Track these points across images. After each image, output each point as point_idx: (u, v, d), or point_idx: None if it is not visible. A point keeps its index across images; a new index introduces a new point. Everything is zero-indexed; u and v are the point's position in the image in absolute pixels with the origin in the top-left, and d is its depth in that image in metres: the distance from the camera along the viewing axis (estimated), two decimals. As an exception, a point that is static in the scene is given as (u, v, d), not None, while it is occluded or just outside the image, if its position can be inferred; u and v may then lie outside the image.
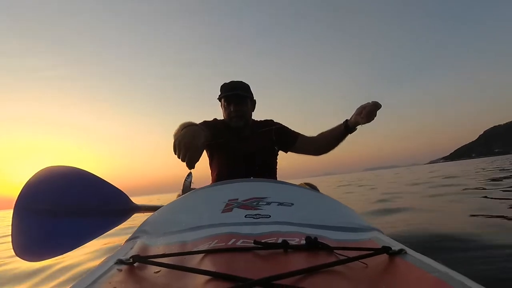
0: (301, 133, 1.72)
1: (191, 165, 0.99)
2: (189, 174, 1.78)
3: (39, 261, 0.86)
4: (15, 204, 0.85)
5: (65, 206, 0.94)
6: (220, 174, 1.61)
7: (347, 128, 1.46)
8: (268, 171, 1.63)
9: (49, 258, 0.87)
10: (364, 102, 1.34)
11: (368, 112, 1.31)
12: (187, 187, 1.78)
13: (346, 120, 1.46)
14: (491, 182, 5.74)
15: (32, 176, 0.90)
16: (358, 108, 1.36)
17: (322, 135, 1.61)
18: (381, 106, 1.31)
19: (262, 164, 1.58)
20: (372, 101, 1.32)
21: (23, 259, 0.83)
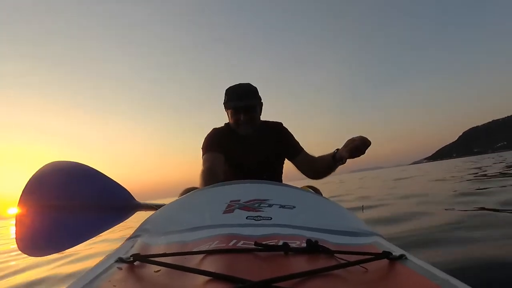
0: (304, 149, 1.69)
1: None
2: None
3: (42, 256, 0.86)
4: (20, 199, 0.85)
5: (69, 202, 0.94)
6: (226, 179, 1.61)
7: (335, 159, 1.42)
8: (274, 176, 1.63)
9: (51, 254, 0.87)
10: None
11: (353, 148, 1.28)
12: None
13: (337, 149, 1.41)
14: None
15: (36, 171, 0.90)
16: (348, 140, 1.32)
17: (319, 159, 1.57)
18: (370, 143, 1.27)
19: (267, 170, 1.57)
20: (360, 136, 1.29)
21: (26, 254, 0.83)
